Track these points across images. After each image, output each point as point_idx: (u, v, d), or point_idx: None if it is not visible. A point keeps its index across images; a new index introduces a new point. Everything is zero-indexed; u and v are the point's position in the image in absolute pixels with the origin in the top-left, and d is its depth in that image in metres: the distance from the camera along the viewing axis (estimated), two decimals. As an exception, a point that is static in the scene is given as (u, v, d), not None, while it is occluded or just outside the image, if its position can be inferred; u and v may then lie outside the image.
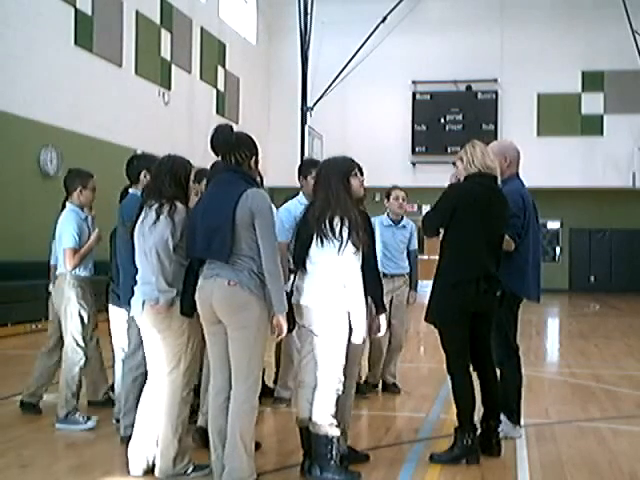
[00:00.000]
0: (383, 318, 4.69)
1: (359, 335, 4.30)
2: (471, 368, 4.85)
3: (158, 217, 4.22)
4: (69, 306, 5.36)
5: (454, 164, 4.95)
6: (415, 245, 7.14)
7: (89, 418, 5.39)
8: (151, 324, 4.30)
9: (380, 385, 7.03)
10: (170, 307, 4.19)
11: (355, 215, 4.29)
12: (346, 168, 4.41)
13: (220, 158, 4.19)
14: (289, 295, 4.27)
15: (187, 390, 4.31)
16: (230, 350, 4.03)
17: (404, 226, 7.04)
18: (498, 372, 5.01)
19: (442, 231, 4.85)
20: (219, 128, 4.20)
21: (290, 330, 4.23)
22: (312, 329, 4.28)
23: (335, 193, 4.29)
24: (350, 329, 4.29)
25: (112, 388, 5.67)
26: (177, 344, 4.26)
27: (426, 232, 4.97)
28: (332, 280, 4.25)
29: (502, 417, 4.99)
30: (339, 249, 4.21)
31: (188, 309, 4.17)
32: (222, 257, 3.97)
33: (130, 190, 5.19)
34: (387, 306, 6.81)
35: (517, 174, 5.29)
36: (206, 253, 4.06)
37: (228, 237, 3.95)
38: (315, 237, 4.26)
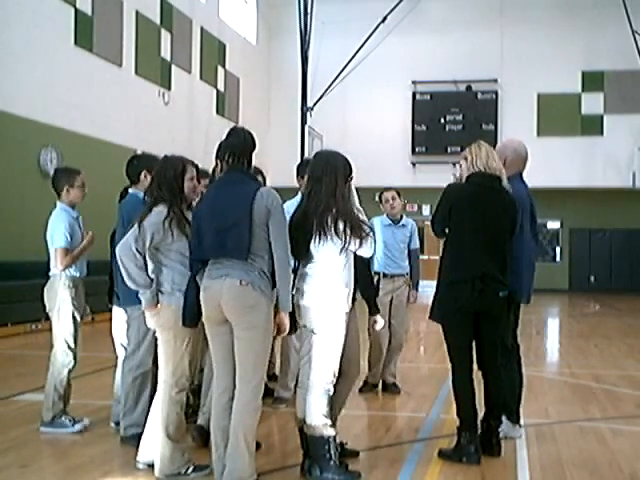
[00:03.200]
0: (379, 317, 4.72)
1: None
2: (475, 367, 4.86)
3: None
4: (62, 307, 5.30)
5: (454, 165, 4.96)
6: (416, 244, 7.11)
7: (76, 421, 5.32)
8: (148, 322, 4.42)
9: (380, 385, 7.03)
10: (154, 306, 4.27)
11: (355, 214, 4.29)
12: (349, 171, 4.37)
13: (231, 160, 4.13)
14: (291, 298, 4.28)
15: (176, 390, 4.31)
16: (236, 350, 4.02)
17: (404, 225, 7.03)
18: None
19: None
20: (235, 131, 4.22)
21: (293, 332, 4.25)
22: (312, 328, 4.28)
23: (340, 193, 4.25)
24: (347, 329, 4.30)
25: None
26: (164, 342, 4.32)
27: (435, 234, 4.98)
28: (332, 279, 4.25)
29: (502, 418, 4.99)
30: (341, 250, 4.22)
31: (191, 320, 4.19)
32: (241, 255, 3.94)
33: (130, 190, 5.18)
34: (387, 306, 6.83)
35: (520, 175, 5.28)
36: (220, 252, 4.01)
37: (246, 235, 3.93)
38: (315, 233, 4.23)
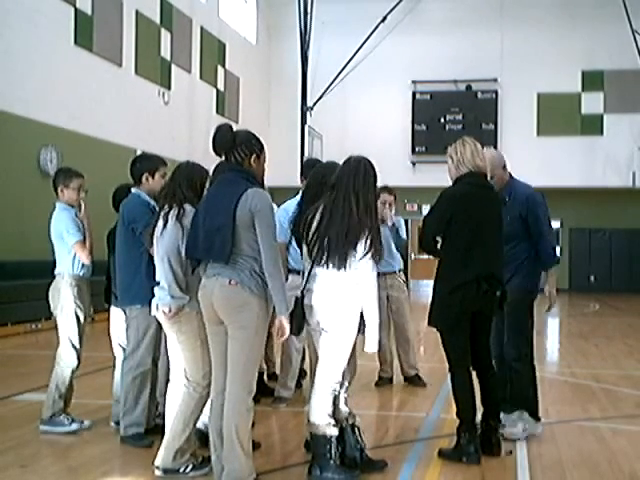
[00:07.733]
0: None
1: (373, 343, 4.28)
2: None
3: (166, 223, 4.28)
4: (66, 306, 5.30)
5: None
6: (402, 234, 7.16)
7: (74, 420, 5.31)
8: (164, 325, 4.41)
9: (403, 380, 7.20)
10: (179, 312, 4.25)
11: (380, 231, 4.29)
12: (374, 178, 4.31)
13: (223, 159, 4.18)
14: (301, 298, 4.26)
15: (207, 389, 4.29)
16: (228, 349, 4.03)
17: (392, 223, 7.08)
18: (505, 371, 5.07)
19: (439, 239, 4.82)
20: (218, 128, 4.17)
21: (298, 333, 4.26)
22: (323, 327, 4.25)
23: (366, 203, 4.21)
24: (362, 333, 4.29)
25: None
26: (190, 349, 4.32)
27: (422, 244, 4.91)
28: (343, 279, 4.21)
29: (524, 415, 5.08)
30: (360, 257, 4.18)
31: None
32: (222, 258, 3.96)
33: (132, 190, 5.16)
34: (385, 301, 6.88)
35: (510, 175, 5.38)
36: (207, 254, 4.04)
37: (228, 238, 3.94)
38: (334, 240, 4.18)
